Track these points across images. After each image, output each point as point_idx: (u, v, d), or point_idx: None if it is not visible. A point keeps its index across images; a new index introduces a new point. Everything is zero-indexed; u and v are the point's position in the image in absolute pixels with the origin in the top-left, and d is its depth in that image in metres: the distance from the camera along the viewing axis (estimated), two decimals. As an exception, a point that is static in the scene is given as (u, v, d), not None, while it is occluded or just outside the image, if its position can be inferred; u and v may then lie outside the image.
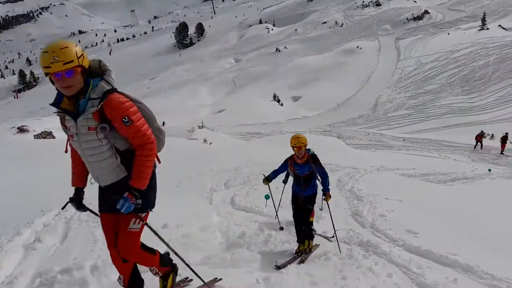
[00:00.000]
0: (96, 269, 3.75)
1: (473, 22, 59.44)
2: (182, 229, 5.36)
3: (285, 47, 70.98)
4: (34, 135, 18.82)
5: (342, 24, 77.24)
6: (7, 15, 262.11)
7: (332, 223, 5.30)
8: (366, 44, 61.02)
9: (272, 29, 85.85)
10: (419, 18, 68.01)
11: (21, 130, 18.95)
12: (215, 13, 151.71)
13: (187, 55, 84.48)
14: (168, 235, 4.96)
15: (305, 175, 5.04)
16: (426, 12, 68.81)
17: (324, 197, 5.04)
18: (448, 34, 56.98)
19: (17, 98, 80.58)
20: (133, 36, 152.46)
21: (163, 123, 38.67)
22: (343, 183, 10.60)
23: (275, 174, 5.38)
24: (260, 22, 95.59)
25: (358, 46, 60.13)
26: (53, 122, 21.97)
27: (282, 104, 47.45)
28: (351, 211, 7.60)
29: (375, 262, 4.51)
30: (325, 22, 79.88)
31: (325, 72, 53.76)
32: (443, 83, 43.27)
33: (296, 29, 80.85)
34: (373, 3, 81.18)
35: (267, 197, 6.62)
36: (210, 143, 24.72)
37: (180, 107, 49.57)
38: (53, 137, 19.50)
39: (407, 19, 68.58)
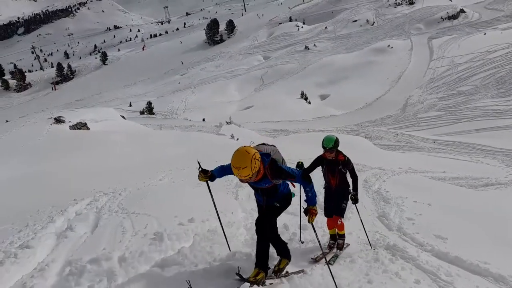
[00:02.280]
0: (124, 260, 3.84)
1: (512, 22, 56.81)
2: (208, 224, 5.41)
3: (314, 45, 70.24)
4: (70, 126, 19.43)
5: (373, 22, 75.62)
6: (47, 10, 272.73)
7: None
8: (397, 43, 59.48)
9: (301, 27, 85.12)
10: (454, 17, 65.56)
11: (58, 120, 19.61)
12: (245, 10, 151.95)
13: (217, 52, 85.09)
14: (195, 229, 5.05)
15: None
16: (462, 11, 66.26)
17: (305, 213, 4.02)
18: (485, 34, 54.58)
19: (55, 90, 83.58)
20: (166, 32, 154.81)
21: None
22: (370, 184, 10.41)
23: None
24: (290, 20, 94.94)
25: (389, 45, 58.69)
26: (87, 114, 22.73)
27: (309, 102, 47.06)
28: (377, 213, 7.46)
29: (402, 267, 4.40)
30: (356, 21, 78.45)
31: (354, 70, 52.85)
32: (477, 84, 41.58)
33: (326, 27, 79.83)
34: (406, 2, 78.90)
35: (292, 195, 6.58)
36: (237, 139, 24.84)
37: (209, 103, 50.10)
38: (88, 129, 20.13)
39: (442, 18, 66.29)
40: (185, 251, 4.10)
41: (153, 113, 46.42)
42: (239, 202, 7.92)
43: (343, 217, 5.30)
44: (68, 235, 4.92)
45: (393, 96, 43.63)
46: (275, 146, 4.12)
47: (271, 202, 4.05)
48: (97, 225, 5.39)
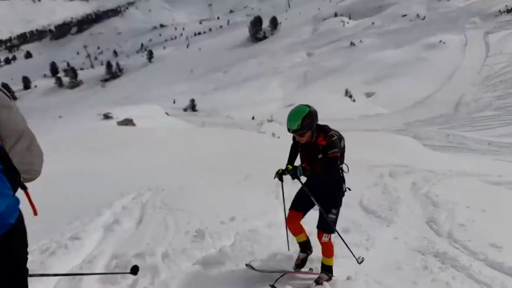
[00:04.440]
0: (166, 256, 3.91)
1: None
2: (249, 223, 5.40)
3: (360, 41, 68.67)
4: (117, 122, 20.36)
5: (424, 17, 72.67)
6: (98, 10, 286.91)
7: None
8: (450, 38, 56.79)
9: (347, 22, 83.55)
10: (514, 10, 61.59)
11: (106, 116, 20.62)
12: (289, 7, 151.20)
13: (259, 49, 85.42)
14: (235, 228, 5.05)
15: None
16: (524, 3, 62.04)
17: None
18: (549, 27, 50.81)
19: (104, 87, 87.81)
20: (210, 29, 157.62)
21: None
22: (418, 186, 9.93)
23: None
24: (335, 15, 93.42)
25: (441, 41, 56.17)
26: (134, 111, 23.62)
27: (354, 100, 46.11)
28: (426, 217, 7.09)
29: (453, 276, 4.14)
30: (405, 15, 75.79)
31: (402, 67, 51.08)
32: (539, 82, 38.79)
33: (373, 23, 77.75)
34: (461, -6, 75.04)
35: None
36: (278, 137, 24.77)
37: (250, 100, 50.45)
38: (134, 125, 20.94)
39: (500, 11, 62.41)
40: (226, 250, 4.10)
41: (196, 110, 47.49)
42: (280, 202, 7.85)
43: (331, 233, 3.71)
44: (115, 229, 5.09)
45: (445, 94, 41.71)
46: None
47: None
48: (142, 220, 5.53)
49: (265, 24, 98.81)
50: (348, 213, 6.23)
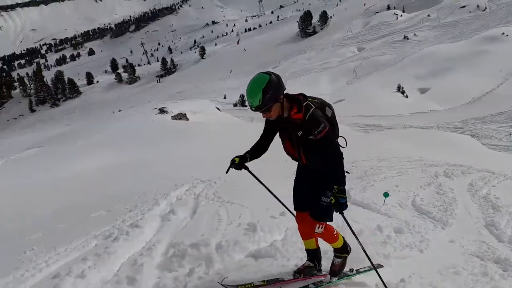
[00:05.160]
0: (220, 247, 4.05)
1: None
2: (298, 219, 5.44)
3: (414, 34, 65.61)
4: (172, 116, 21.17)
5: (485, 8, 67.82)
6: (154, 8, 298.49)
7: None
8: (514, 30, 52.58)
9: (401, 15, 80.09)
10: None
11: (162, 111, 21.50)
12: (340, 0, 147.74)
13: (309, 44, 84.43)
14: (286, 223, 5.12)
15: None
16: None
17: None
18: None
19: (159, 82, 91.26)
20: (259, 25, 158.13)
21: None
22: (476, 188, 9.41)
23: None
24: (388, 8, 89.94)
25: (503, 33, 52.15)
26: (187, 105, 24.41)
27: (406, 96, 44.17)
28: (484, 221, 6.72)
29: (516, 285, 3.93)
30: (464, 6, 71.22)
31: (460, 61, 48.09)
32: None
33: (428, 15, 73.92)
34: (527, -18, 69.17)
35: (386, 194, 6.29)
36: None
37: (299, 96, 50.11)
38: (187, 119, 21.68)
39: None
40: (277, 245, 4.17)
41: (246, 106, 48.01)
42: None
43: (327, 221, 3.15)
44: (171, 218, 5.35)
45: (507, 90, 38.79)
46: None
47: None
48: (196, 211, 5.77)
49: (315, 18, 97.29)
50: (400, 213, 6.08)
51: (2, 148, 23.47)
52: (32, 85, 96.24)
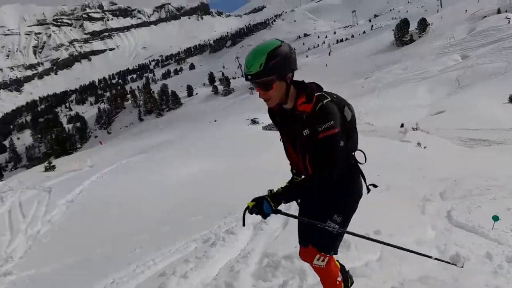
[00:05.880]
0: (312, 262, 4.03)
1: None
2: (395, 238, 5.12)
3: (532, 39, 58.05)
4: (263, 127, 21.76)
5: None
6: (249, 24, 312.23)
7: None
8: None
9: (514, 19, 71.61)
10: None
11: (254, 122, 22.25)
12: (441, 6, 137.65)
13: (405, 53, 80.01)
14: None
15: None
16: None
17: None
18: None
19: (252, 94, 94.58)
20: (352, 36, 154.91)
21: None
22: None
23: None
24: (498, 12, 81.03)
25: None
26: (277, 117, 24.96)
27: (521, 108, 39.10)
28: None
29: None
30: None
31: None
32: None
33: (550, 16, 64.89)
34: None
35: (495, 218, 5.63)
36: (425, 147, 22.79)
37: (393, 107, 47.55)
38: (277, 130, 22.16)
39: None
40: (372, 265, 3.99)
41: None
42: (427, 218, 7.22)
43: (331, 253, 2.54)
44: (263, 228, 5.45)
45: None
46: None
47: None
48: (288, 222, 5.81)
49: (413, 26, 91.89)
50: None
51: (115, 153, 26.40)
52: (141, 97, 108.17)
